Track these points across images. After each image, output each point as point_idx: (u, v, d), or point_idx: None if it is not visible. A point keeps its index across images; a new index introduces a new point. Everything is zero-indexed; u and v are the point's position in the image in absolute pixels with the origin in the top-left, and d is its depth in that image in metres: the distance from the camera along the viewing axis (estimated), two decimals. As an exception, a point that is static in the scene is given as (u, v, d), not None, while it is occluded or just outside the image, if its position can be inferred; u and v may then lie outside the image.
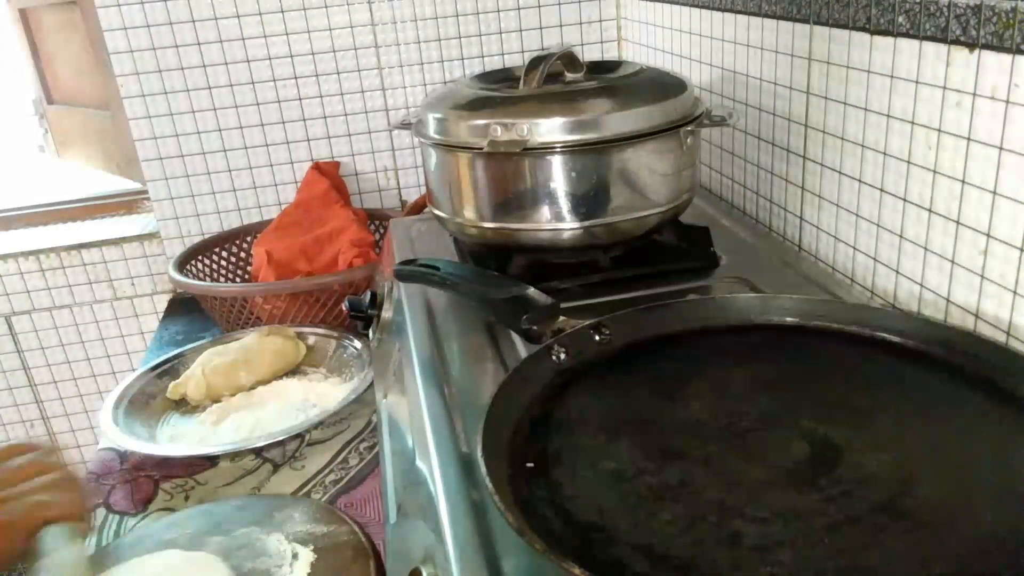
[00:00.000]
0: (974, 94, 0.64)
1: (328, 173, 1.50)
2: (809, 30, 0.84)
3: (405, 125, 0.92)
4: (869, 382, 0.56)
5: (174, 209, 1.53)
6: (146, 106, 1.46)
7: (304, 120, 1.51)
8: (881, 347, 0.60)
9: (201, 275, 1.45)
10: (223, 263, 1.51)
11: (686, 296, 0.76)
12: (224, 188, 1.53)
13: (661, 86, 0.83)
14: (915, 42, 0.69)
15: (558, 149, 0.76)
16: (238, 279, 1.52)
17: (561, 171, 0.77)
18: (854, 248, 0.84)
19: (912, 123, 0.71)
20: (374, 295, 0.93)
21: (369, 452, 0.97)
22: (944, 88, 0.67)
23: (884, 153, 0.76)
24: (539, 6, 1.49)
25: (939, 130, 0.68)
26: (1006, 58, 0.60)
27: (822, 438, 0.49)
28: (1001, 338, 0.64)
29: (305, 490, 0.91)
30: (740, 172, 1.07)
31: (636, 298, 0.77)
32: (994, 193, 0.63)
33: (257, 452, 0.97)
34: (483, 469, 0.45)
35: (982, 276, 0.66)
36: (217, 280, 1.48)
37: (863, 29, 0.76)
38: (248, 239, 1.52)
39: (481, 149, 0.77)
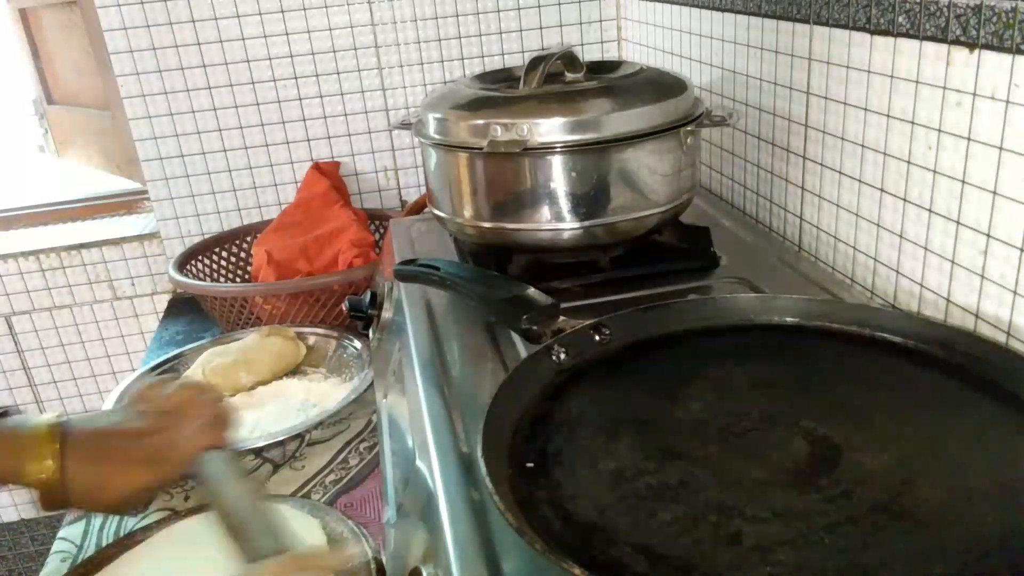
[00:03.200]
0: (974, 94, 0.64)
1: (328, 173, 1.50)
2: (809, 30, 0.84)
3: (405, 125, 0.92)
4: (869, 382, 0.56)
5: (174, 209, 1.53)
6: (146, 106, 1.46)
7: (304, 120, 1.51)
8: (881, 347, 0.60)
9: (201, 275, 1.44)
10: (223, 263, 1.51)
11: (686, 296, 0.76)
12: (224, 188, 1.53)
13: (661, 86, 0.83)
14: (915, 42, 0.69)
15: (558, 149, 0.76)
16: (238, 279, 1.51)
17: (561, 171, 0.77)
18: (854, 248, 0.83)
19: (912, 123, 0.71)
20: (374, 295, 0.93)
21: (369, 452, 0.97)
22: (944, 88, 0.67)
23: (884, 153, 0.76)
24: (539, 6, 1.49)
25: (939, 130, 0.68)
26: (1006, 58, 0.60)
27: (822, 438, 0.49)
28: (1001, 338, 0.64)
29: (305, 490, 0.91)
30: (740, 172, 1.07)
31: (636, 298, 0.77)
32: (994, 193, 0.63)
33: (257, 452, 0.97)
34: (483, 469, 0.45)
35: (982, 276, 0.66)
36: (217, 280, 1.48)
37: (863, 29, 0.76)
38: (248, 239, 1.52)
39: (481, 149, 0.77)
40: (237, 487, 0.63)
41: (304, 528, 0.77)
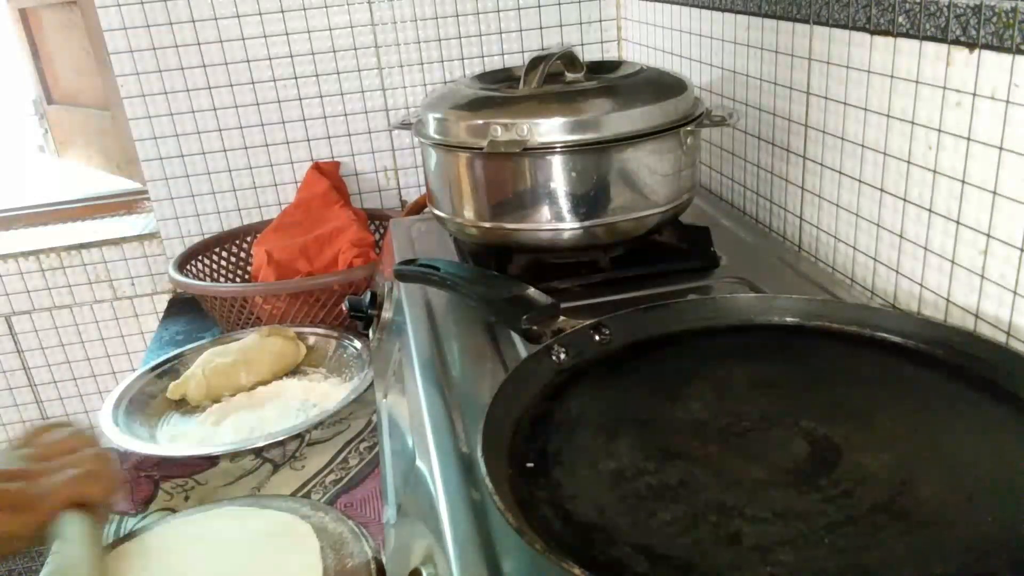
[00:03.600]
0: (974, 94, 0.64)
1: (328, 173, 1.50)
2: (809, 30, 0.84)
3: (405, 125, 0.92)
4: (869, 382, 0.56)
5: (174, 209, 1.54)
6: (146, 106, 1.46)
7: (304, 120, 1.51)
8: (881, 347, 0.60)
9: (201, 275, 1.45)
10: (223, 263, 1.51)
11: (686, 296, 0.76)
12: (224, 188, 1.53)
13: (661, 86, 0.83)
14: (915, 42, 0.69)
15: (558, 149, 0.76)
16: (238, 279, 1.52)
17: (561, 171, 0.77)
18: (854, 248, 0.83)
19: (912, 123, 0.71)
20: (374, 295, 0.93)
21: (369, 452, 0.97)
22: (944, 88, 0.67)
23: (884, 153, 0.76)
24: (539, 6, 1.50)
25: (939, 130, 0.68)
26: (1006, 58, 0.60)
27: (822, 438, 0.49)
28: (1001, 338, 0.64)
29: (305, 490, 0.91)
30: (740, 172, 1.07)
31: (636, 298, 0.77)
32: (994, 193, 0.63)
33: (257, 452, 0.97)
34: (483, 469, 0.45)
35: (982, 276, 0.66)
36: (217, 280, 1.48)
37: (863, 29, 0.76)
38: (248, 239, 1.52)
39: (481, 149, 0.77)
40: (79, 553, 0.59)
41: (298, 533, 0.76)
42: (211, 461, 0.97)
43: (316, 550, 0.73)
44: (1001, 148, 0.62)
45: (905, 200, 0.74)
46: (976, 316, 0.67)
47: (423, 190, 1.50)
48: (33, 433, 0.67)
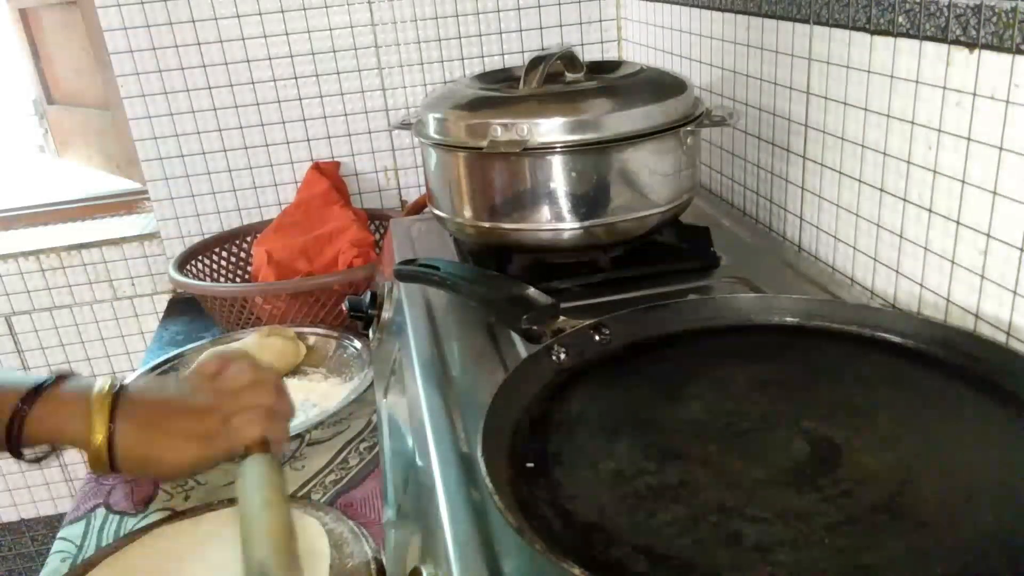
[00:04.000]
0: (974, 94, 0.64)
1: (328, 173, 1.50)
2: (809, 30, 0.84)
3: (405, 125, 0.92)
4: (869, 382, 0.56)
5: (174, 209, 1.54)
6: (146, 106, 1.46)
7: (304, 120, 1.51)
8: (881, 347, 0.60)
9: (201, 275, 1.45)
10: (223, 263, 1.51)
11: (686, 296, 0.76)
12: (224, 188, 1.53)
13: (661, 86, 0.83)
14: (915, 42, 0.69)
15: (558, 149, 0.76)
16: (238, 279, 1.52)
17: (561, 171, 0.77)
18: (854, 248, 0.83)
19: (912, 123, 0.71)
20: (374, 295, 0.93)
21: (369, 452, 0.97)
22: (944, 88, 0.67)
23: (884, 153, 0.76)
24: (539, 6, 1.50)
25: (939, 130, 0.68)
26: (1006, 58, 0.60)
27: (822, 438, 0.49)
28: (1001, 338, 0.64)
29: (305, 490, 0.91)
30: (740, 172, 1.07)
31: (636, 298, 0.77)
32: (994, 193, 0.63)
33: (257, 452, 0.97)
34: (483, 469, 0.45)
35: (982, 276, 0.66)
36: (217, 280, 1.48)
37: (863, 29, 0.76)
38: (248, 239, 1.52)
39: (481, 149, 0.77)
40: (264, 495, 0.62)
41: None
42: (211, 461, 0.97)
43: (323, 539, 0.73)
44: (1001, 148, 0.62)
45: (905, 200, 0.74)
46: (976, 316, 0.67)
47: (423, 190, 1.50)
48: (217, 362, 0.69)
